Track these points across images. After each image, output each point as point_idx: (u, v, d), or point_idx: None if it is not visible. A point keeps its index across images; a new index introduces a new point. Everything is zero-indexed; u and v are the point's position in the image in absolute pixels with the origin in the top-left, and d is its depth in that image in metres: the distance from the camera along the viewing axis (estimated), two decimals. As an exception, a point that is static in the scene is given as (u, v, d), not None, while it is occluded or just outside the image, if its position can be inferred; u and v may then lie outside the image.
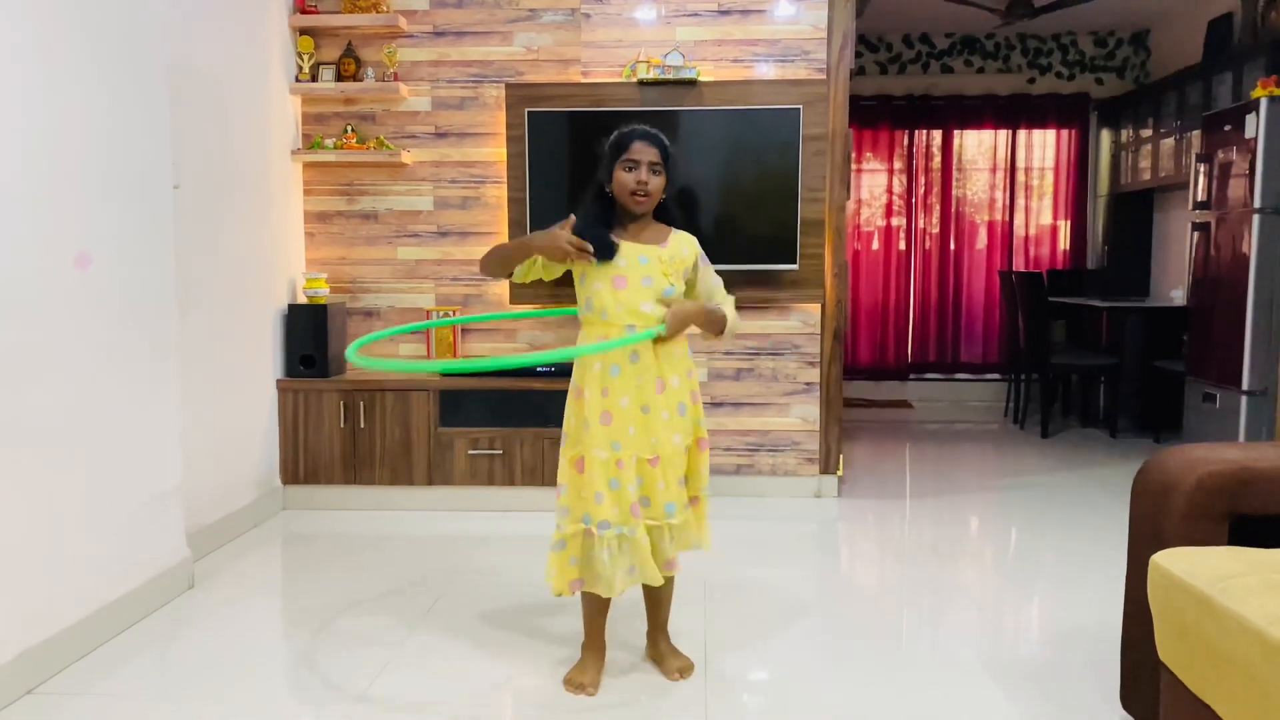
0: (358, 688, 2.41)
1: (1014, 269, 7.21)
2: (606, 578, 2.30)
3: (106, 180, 2.70)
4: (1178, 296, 6.07)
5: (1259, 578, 1.66)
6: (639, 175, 2.32)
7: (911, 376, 7.45)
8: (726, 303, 2.48)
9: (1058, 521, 4.06)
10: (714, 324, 2.44)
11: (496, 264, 2.45)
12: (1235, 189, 4.72)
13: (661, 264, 2.35)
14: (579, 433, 2.36)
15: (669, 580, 2.46)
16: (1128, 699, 2.19)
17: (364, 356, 2.27)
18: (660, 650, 2.54)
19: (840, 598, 3.24)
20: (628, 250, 2.35)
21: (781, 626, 2.85)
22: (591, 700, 2.35)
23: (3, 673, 2.27)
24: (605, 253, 2.31)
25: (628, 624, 2.74)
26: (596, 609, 2.45)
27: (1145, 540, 2.05)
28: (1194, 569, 1.75)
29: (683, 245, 2.42)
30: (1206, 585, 1.68)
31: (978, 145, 7.39)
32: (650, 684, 2.45)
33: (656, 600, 2.52)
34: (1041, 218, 7.39)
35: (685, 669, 2.50)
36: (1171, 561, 1.81)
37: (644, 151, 2.32)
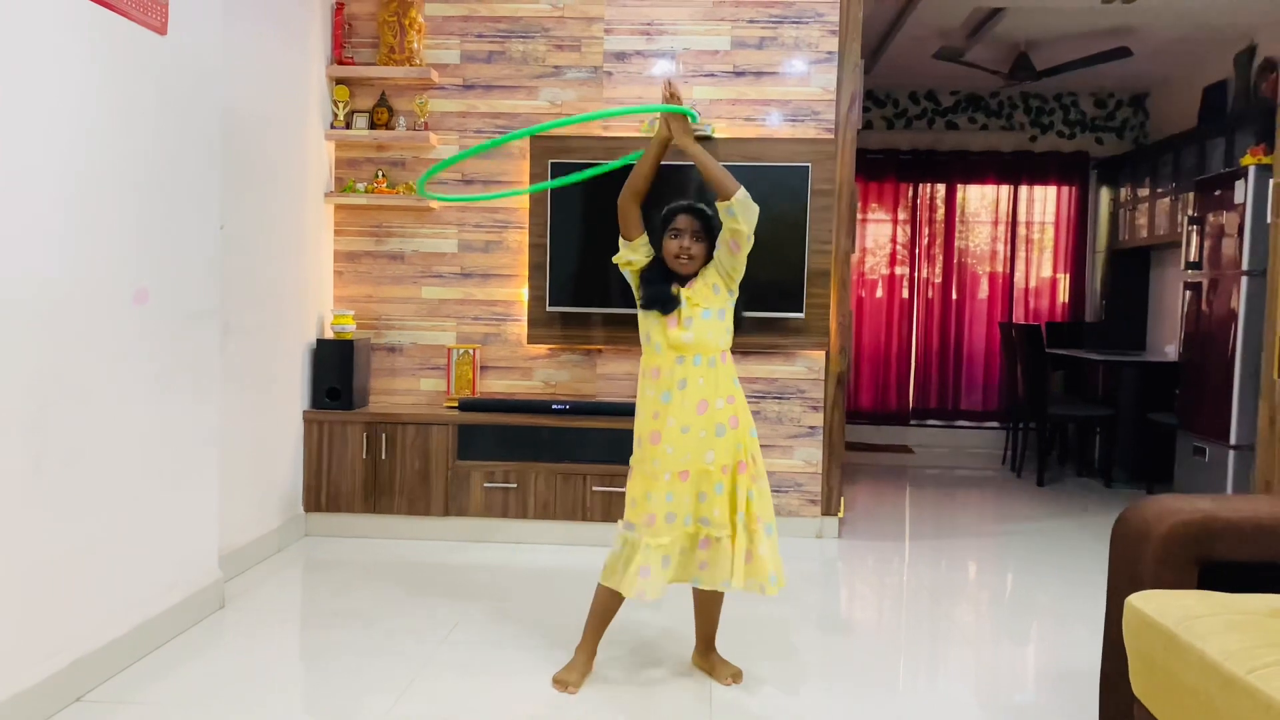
0: (381, 706, 2.56)
1: (1014, 320, 7.40)
2: (618, 575, 2.63)
3: (163, 219, 2.90)
4: (1171, 352, 6.24)
5: (1221, 618, 1.82)
6: (682, 242, 2.66)
7: (912, 422, 7.62)
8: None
9: (1051, 566, 4.21)
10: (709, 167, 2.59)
11: (632, 192, 2.68)
12: (1226, 251, 4.91)
13: (690, 303, 2.66)
14: (639, 448, 2.71)
15: (716, 597, 2.78)
16: (1106, 733, 2.34)
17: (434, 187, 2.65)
18: (710, 660, 2.83)
19: (839, 636, 3.38)
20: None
21: (781, 663, 2.99)
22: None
23: (57, 679, 2.44)
24: (670, 305, 2.64)
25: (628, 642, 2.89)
26: (602, 605, 2.72)
27: (1122, 583, 2.21)
28: (1163, 609, 1.91)
29: (707, 271, 2.71)
30: (1173, 624, 1.84)
31: (980, 199, 7.61)
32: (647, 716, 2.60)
33: (703, 613, 2.82)
34: (1042, 271, 7.60)
35: (736, 675, 2.78)
36: (1144, 602, 1.97)
37: (687, 222, 2.66)
